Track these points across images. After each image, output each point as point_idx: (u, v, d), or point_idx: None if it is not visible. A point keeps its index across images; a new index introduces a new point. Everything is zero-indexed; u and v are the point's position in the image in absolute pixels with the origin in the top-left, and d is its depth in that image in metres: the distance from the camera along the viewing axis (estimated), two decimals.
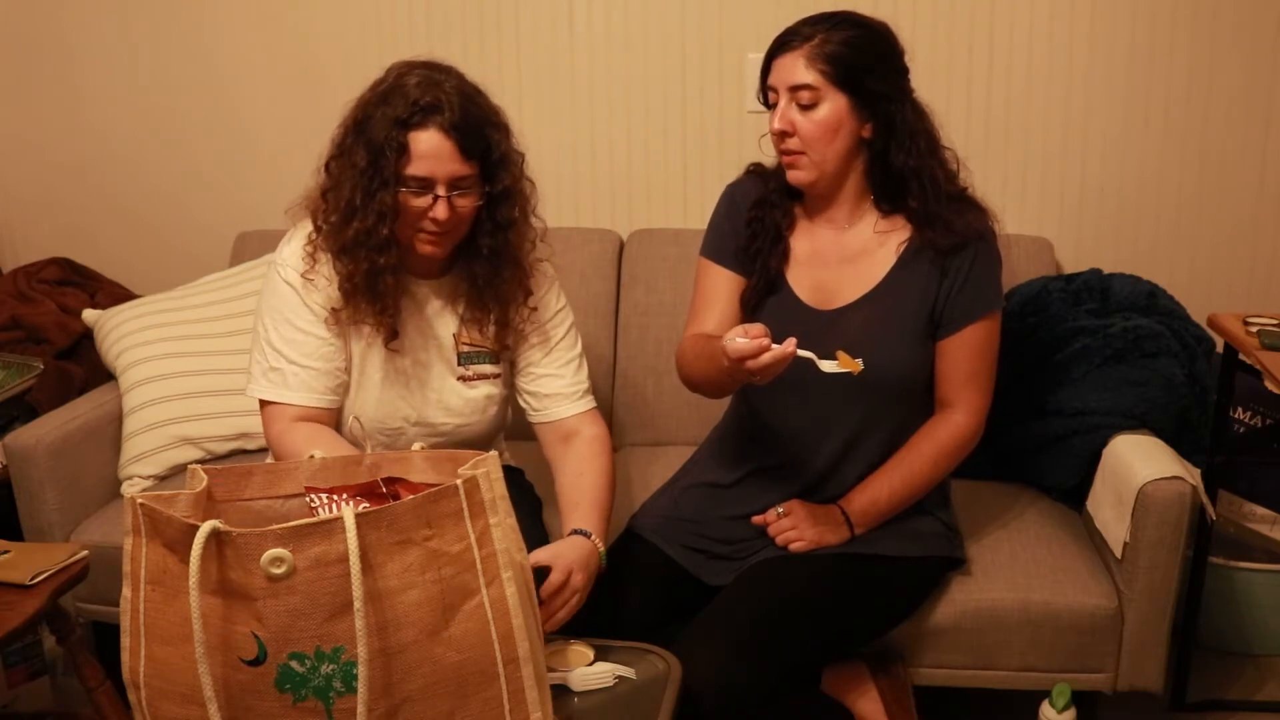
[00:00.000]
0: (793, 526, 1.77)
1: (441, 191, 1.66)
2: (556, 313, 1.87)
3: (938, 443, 1.78)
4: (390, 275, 1.71)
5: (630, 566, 1.79)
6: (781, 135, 1.71)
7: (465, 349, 1.82)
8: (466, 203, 1.69)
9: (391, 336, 1.76)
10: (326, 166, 1.73)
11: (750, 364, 1.52)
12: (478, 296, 1.78)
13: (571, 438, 1.84)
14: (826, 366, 1.55)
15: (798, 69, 1.68)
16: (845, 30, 1.69)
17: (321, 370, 1.74)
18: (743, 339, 1.52)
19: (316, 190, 1.75)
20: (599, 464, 1.80)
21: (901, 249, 1.76)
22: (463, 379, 1.82)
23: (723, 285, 1.84)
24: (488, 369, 1.84)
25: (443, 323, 1.81)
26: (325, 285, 1.74)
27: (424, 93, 1.64)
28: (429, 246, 1.71)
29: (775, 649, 1.64)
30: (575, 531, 1.68)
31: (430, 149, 1.64)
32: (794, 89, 1.68)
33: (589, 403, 1.88)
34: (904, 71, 1.73)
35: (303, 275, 1.74)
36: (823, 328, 1.75)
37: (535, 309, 1.83)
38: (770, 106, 1.74)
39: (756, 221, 1.82)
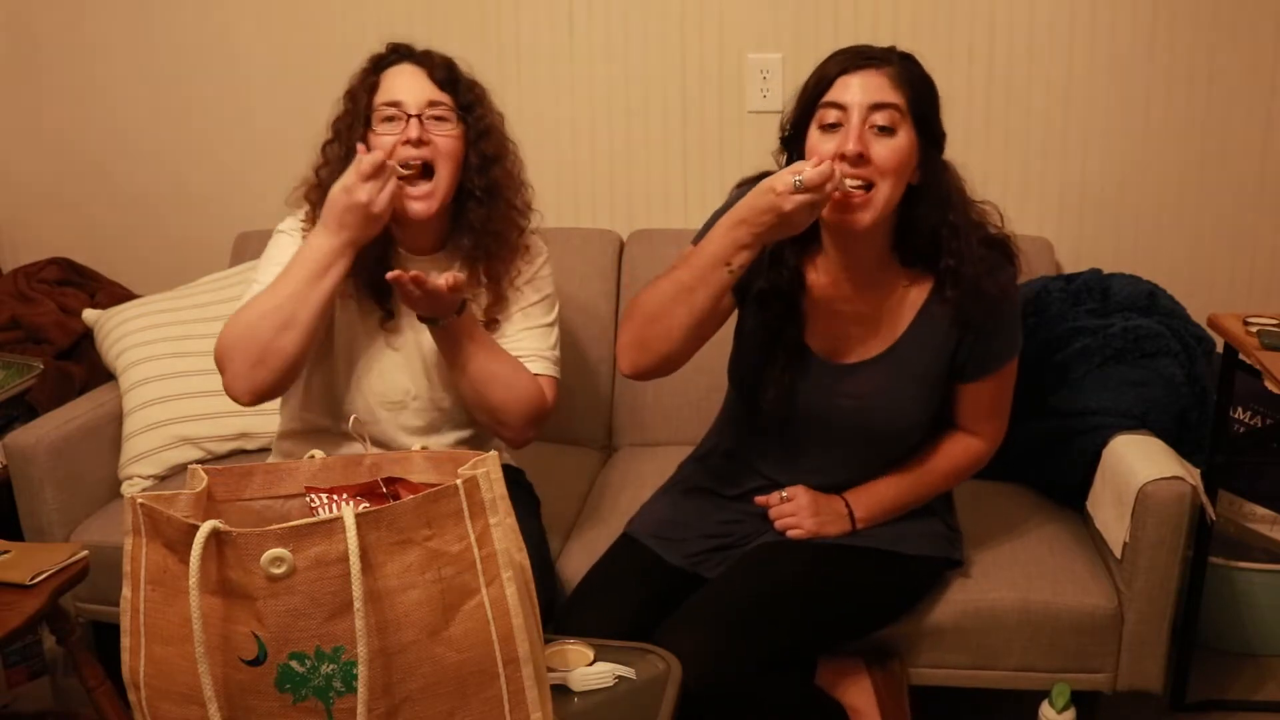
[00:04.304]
0: (793, 513, 1.77)
1: (413, 111, 1.71)
2: (530, 281, 1.87)
3: (954, 461, 1.79)
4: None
5: (629, 569, 1.79)
6: (857, 159, 1.54)
7: None
8: (444, 133, 1.73)
9: (387, 316, 1.79)
10: (323, 149, 1.80)
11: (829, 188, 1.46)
12: (474, 254, 1.80)
13: None
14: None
15: (883, 89, 1.56)
16: (912, 64, 1.61)
17: None
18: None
19: (312, 175, 1.80)
20: (520, 374, 1.78)
21: (921, 306, 1.70)
22: None
23: None
24: None
25: None
26: None
27: (394, 45, 1.78)
28: (417, 203, 1.73)
29: (760, 630, 1.64)
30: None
31: (401, 79, 1.74)
32: (877, 107, 1.55)
33: (546, 368, 1.85)
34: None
35: (301, 232, 1.79)
36: (837, 380, 1.73)
37: (524, 249, 1.86)
38: (820, 128, 1.59)
39: (766, 296, 1.72)
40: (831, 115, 1.58)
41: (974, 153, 2.43)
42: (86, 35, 2.73)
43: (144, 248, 2.83)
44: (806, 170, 1.48)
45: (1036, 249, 2.37)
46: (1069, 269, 2.41)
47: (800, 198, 1.48)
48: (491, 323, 1.84)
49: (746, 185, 1.81)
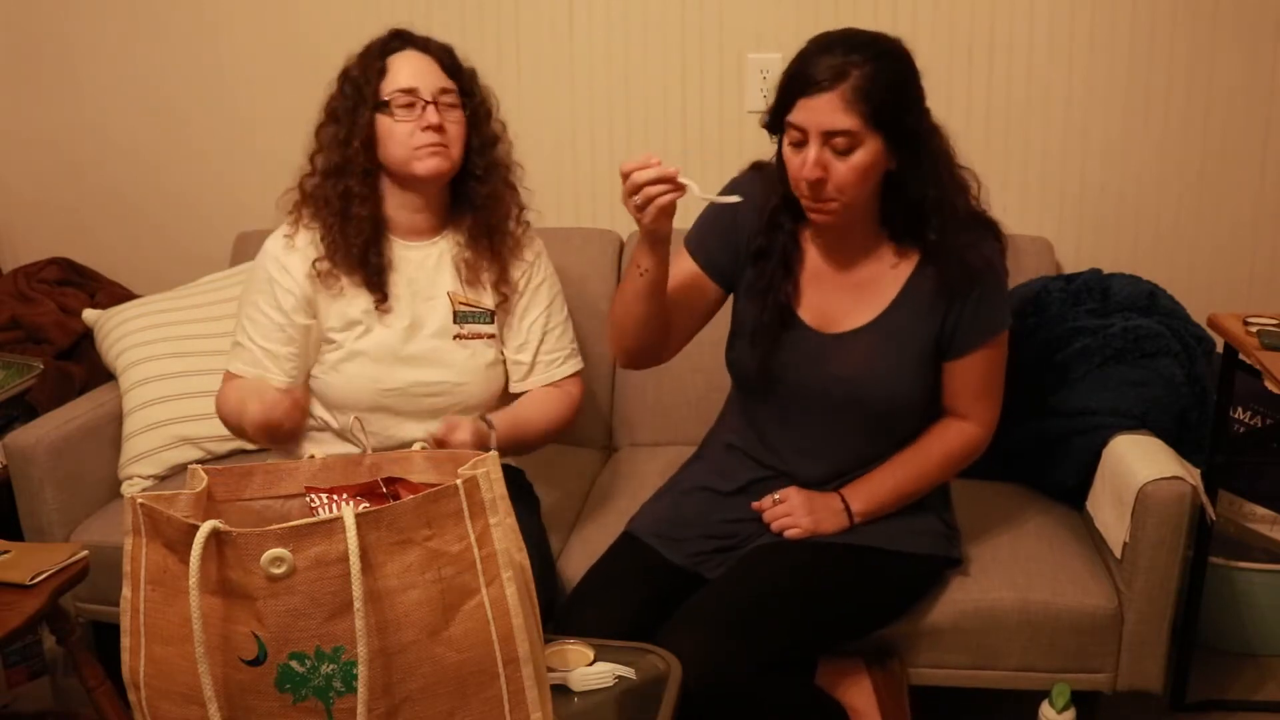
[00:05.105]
0: (788, 514, 1.77)
1: (428, 98, 1.77)
2: (544, 280, 1.95)
3: (947, 445, 1.79)
4: (366, 207, 1.79)
5: (630, 569, 1.80)
6: (815, 184, 1.60)
7: (461, 308, 1.87)
8: (454, 118, 1.80)
9: (381, 299, 1.83)
10: (316, 134, 1.84)
11: (636, 175, 1.53)
12: (475, 232, 1.86)
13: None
14: (699, 192, 1.58)
15: (835, 113, 1.56)
16: (875, 61, 1.57)
17: (268, 350, 1.84)
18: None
19: (307, 163, 1.85)
20: (552, 406, 1.91)
21: (908, 277, 1.73)
22: (458, 338, 1.88)
23: (679, 275, 1.78)
24: (483, 329, 1.89)
25: (438, 283, 1.87)
26: (305, 245, 1.84)
27: (395, 31, 1.83)
28: (430, 159, 1.78)
29: (761, 630, 1.64)
30: (483, 418, 1.78)
31: (411, 65, 1.79)
32: (830, 134, 1.57)
33: (569, 368, 1.96)
34: (923, 95, 1.66)
35: (284, 236, 1.85)
36: (826, 349, 1.75)
37: (526, 217, 1.93)
38: (789, 144, 1.63)
39: (763, 256, 1.76)
40: (794, 134, 1.61)
41: (974, 153, 2.41)
42: (84, 38, 2.73)
43: (144, 248, 2.83)
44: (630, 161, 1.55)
45: (1036, 249, 2.37)
46: (1069, 269, 2.41)
47: (623, 188, 1.55)
48: (501, 299, 1.89)
49: (736, 187, 1.84)
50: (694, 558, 1.79)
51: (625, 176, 1.55)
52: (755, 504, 1.81)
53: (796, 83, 1.60)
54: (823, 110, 1.57)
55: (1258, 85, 2.36)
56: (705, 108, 2.52)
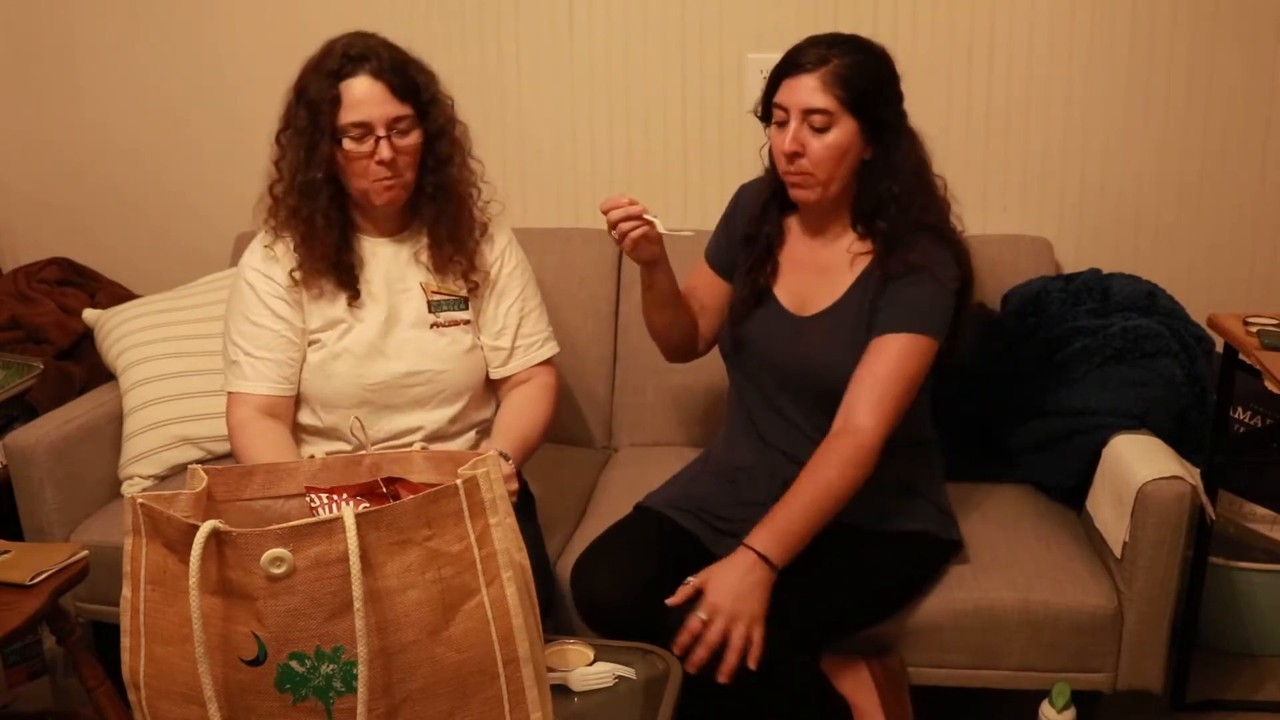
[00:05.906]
0: (709, 619, 1.61)
1: (381, 132, 1.76)
2: (516, 266, 1.97)
3: (834, 452, 1.69)
4: (333, 218, 1.81)
5: (642, 536, 1.82)
6: (792, 156, 1.74)
7: (435, 297, 1.89)
8: (407, 143, 1.79)
9: (354, 295, 1.86)
10: (277, 139, 1.83)
11: (610, 215, 1.69)
12: (436, 238, 1.88)
13: (524, 382, 1.96)
14: (662, 227, 1.73)
15: (814, 93, 1.71)
16: (856, 55, 1.73)
17: (272, 360, 1.85)
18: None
19: (272, 169, 1.85)
20: (540, 407, 1.94)
21: (864, 267, 1.80)
22: (435, 326, 1.90)
23: (699, 281, 1.97)
24: (459, 315, 1.91)
25: (411, 275, 1.89)
26: (282, 252, 1.86)
27: (351, 46, 1.77)
28: (386, 193, 1.80)
29: (772, 615, 1.64)
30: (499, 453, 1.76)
31: (363, 94, 1.75)
32: (808, 112, 1.71)
33: (547, 351, 1.99)
34: (901, 98, 1.78)
35: (262, 246, 1.87)
36: (796, 331, 1.83)
37: (490, 220, 1.94)
38: (775, 124, 1.77)
39: (751, 241, 1.89)
40: (779, 114, 1.76)
41: (974, 153, 2.44)
42: (84, 38, 2.73)
43: (144, 247, 2.84)
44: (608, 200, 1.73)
45: (1036, 249, 2.37)
46: (1069, 269, 2.41)
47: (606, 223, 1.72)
48: (471, 286, 1.91)
49: (744, 191, 1.97)
50: (704, 526, 1.82)
51: (605, 214, 1.71)
52: (681, 631, 1.63)
53: (783, 69, 1.76)
54: (803, 89, 1.72)
55: (1258, 85, 2.36)
56: (705, 108, 2.52)
